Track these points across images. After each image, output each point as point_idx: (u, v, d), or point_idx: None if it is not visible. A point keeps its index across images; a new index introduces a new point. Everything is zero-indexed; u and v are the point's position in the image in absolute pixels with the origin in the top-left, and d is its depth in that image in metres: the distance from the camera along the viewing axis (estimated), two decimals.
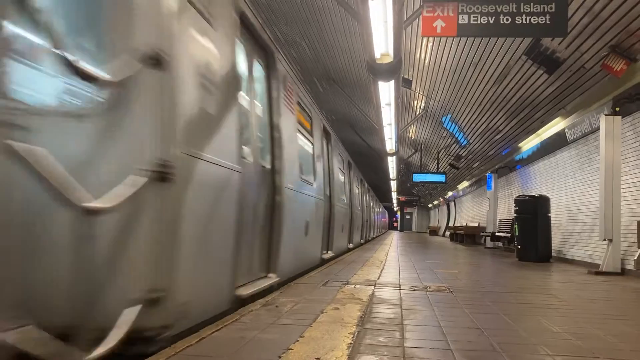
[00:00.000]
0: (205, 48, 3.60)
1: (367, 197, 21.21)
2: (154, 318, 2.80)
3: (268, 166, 5.49)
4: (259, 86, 5.49)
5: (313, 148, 8.39)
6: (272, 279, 5.37)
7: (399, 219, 67.04)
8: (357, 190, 16.04)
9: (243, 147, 4.51)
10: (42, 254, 2.56)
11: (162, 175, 2.86)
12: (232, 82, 4.14)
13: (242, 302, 4.33)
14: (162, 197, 2.89)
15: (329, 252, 9.95)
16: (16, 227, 2.42)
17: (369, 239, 22.76)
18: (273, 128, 5.71)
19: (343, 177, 12.48)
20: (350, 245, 14.14)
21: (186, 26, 3.29)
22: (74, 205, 2.37)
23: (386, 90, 10.02)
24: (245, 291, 4.40)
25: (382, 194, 45.90)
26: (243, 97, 4.66)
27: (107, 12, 2.93)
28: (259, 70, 5.46)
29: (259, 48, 5.44)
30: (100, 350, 2.37)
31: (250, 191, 4.81)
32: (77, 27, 2.90)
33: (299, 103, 7.10)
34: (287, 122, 6.23)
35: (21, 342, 2.08)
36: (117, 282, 2.74)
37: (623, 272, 8.91)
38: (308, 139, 8.05)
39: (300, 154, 7.07)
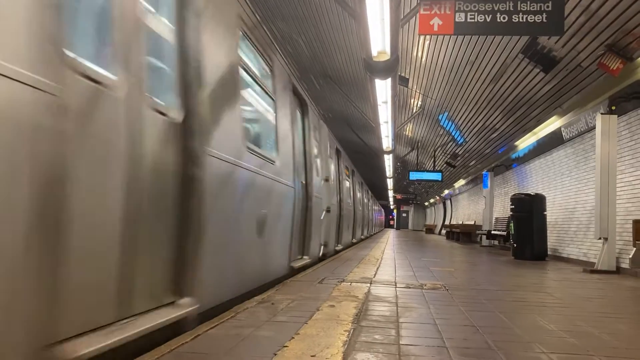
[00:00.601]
0: (334, 169, 11.25)
1: (370, 202, 28.75)
2: (324, 250, 9.57)
3: (337, 197, 11.91)
4: (336, 168, 12.10)
5: (349, 184, 15.24)
6: (340, 247, 12.18)
7: (395, 217, 67.09)
8: (366, 201, 23.48)
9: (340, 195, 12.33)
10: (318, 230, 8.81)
11: (329, 210, 9.84)
12: (341, 173, 12.69)
13: (336, 252, 11.31)
14: (329, 217, 9.96)
15: (353, 238, 16.80)
16: (318, 221, 8.74)
17: (368, 235, 25.03)
18: (339, 184, 12.40)
19: (359, 194, 19.24)
20: (362, 236, 21.41)
21: (332, 164, 10.97)
22: (320, 218, 8.96)
23: (383, 88, 10.01)
24: (337, 248, 11.75)
25: (378, 192, 45.92)
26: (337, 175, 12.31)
27: (322, 170, 9.40)
28: (335, 161, 11.90)
29: (337, 152, 12.19)
30: (319, 254, 9.08)
31: (337, 209, 11.69)
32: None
33: (345, 167, 14.43)
34: (344, 179, 13.51)
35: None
36: (321, 238, 9.19)
37: (618, 270, 8.95)
38: (348, 181, 14.90)
39: (346, 190, 13.96)
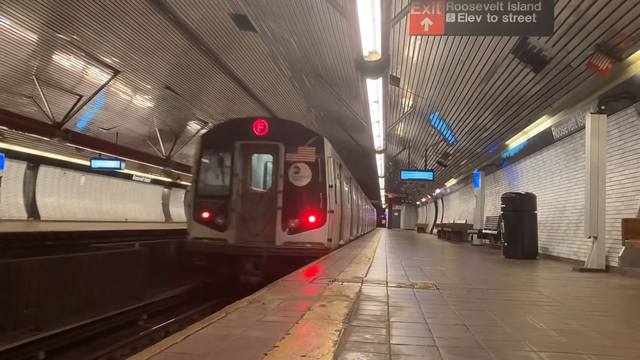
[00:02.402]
0: (354, 195, 19.24)
1: (364, 204, 33.40)
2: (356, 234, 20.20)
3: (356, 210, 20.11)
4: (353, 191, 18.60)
5: (356, 198, 20.51)
6: (355, 235, 19.19)
7: (387, 216, 67.18)
8: (364, 205, 29.00)
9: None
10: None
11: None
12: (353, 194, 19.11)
13: (350, 241, 16.80)
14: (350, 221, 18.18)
15: (359, 232, 22.70)
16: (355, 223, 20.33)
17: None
18: (353, 203, 18.51)
19: (359, 201, 23.60)
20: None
21: (352, 192, 18.41)
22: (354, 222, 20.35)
23: (374, 88, 10.01)
24: (358, 234, 21.27)
25: (370, 191, 45.98)
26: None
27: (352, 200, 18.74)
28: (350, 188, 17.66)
29: (351, 180, 18.07)
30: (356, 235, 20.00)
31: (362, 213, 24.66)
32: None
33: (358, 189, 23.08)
34: (361, 200, 24.57)
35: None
36: (355, 230, 19.43)
37: (608, 269, 9.00)
38: (365, 200, 29.54)
39: (355, 205, 19.57)
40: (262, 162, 11.90)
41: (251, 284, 10.03)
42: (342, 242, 13.45)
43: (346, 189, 14.91)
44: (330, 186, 11.00)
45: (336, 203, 11.59)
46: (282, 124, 12.34)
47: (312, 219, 10.76)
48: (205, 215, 10.91)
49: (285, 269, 7.92)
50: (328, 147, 11.21)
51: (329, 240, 10.86)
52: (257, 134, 11.08)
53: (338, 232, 12.41)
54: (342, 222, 12.99)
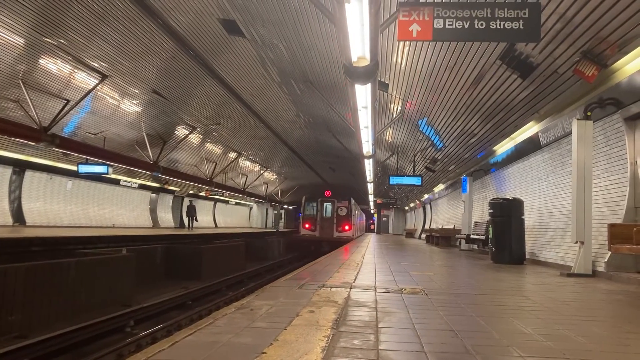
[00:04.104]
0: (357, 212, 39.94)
1: (359, 217, 46.11)
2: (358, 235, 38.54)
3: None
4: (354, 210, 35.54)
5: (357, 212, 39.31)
6: (357, 235, 37.21)
7: (375, 222, 67.27)
8: (359, 218, 42.30)
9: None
10: None
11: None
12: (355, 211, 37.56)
13: (357, 237, 34.76)
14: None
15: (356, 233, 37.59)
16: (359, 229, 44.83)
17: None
18: (357, 217, 40.25)
19: (359, 216, 41.95)
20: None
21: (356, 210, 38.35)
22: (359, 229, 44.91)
23: (363, 94, 10.02)
24: (357, 236, 36.92)
25: (359, 197, 46.09)
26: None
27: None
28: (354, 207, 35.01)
29: (354, 204, 35.57)
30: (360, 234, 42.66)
31: (359, 221, 43.30)
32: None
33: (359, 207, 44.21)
34: (359, 214, 43.90)
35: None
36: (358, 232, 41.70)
37: (594, 274, 9.07)
38: (360, 212, 45.30)
39: (358, 217, 42.02)
40: (327, 206, 29.27)
41: (325, 251, 20.34)
42: (355, 236, 30.53)
43: (356, 213, 33.56)
44: (353, 215, 30.17)
45: (355, 221, 30.13)
46: (336, 192, 30.31)
47: (346, 227, 29.60)
48: (307, 225, 29.64)
49: (337, 246, 21.26)
50: (352, 200, 30.51)
51: (353, 235, 29.39)
52: (326, 195, 29.92)
53: (355, 233, 29.79)
54: (356, 229, 30.80)
